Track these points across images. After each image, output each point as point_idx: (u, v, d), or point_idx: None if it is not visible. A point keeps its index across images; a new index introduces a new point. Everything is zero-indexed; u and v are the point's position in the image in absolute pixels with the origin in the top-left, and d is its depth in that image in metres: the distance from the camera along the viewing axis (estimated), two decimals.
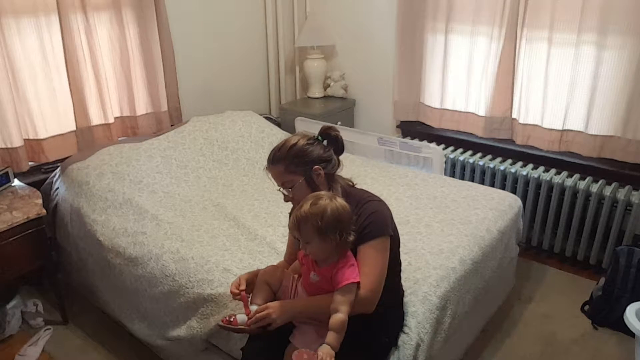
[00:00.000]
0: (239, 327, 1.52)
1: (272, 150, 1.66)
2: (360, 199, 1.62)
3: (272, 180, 1.66)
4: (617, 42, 2.60)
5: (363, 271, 1.52)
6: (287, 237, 1.84)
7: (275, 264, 1.75)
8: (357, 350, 1.56)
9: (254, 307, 1.54)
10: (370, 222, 1.55)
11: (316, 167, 1.61)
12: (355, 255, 1.55)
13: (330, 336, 1.44)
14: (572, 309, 2.64)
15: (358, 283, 1.49)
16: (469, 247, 2.13)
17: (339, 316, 1.45)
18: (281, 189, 1.64)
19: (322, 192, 1.53)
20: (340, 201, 1.50)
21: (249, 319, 1.50)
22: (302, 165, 1.60)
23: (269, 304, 1.52)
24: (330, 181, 1.65)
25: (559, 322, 2.55)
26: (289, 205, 1.70)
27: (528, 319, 2.58)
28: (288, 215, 1.73)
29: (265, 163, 1.69)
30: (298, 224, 1.47)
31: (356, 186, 1.72)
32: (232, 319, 1.51)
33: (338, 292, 1.48)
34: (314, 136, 1.66)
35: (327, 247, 1.48)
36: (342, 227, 1.47)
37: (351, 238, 1.49)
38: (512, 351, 2.38)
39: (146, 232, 2.28)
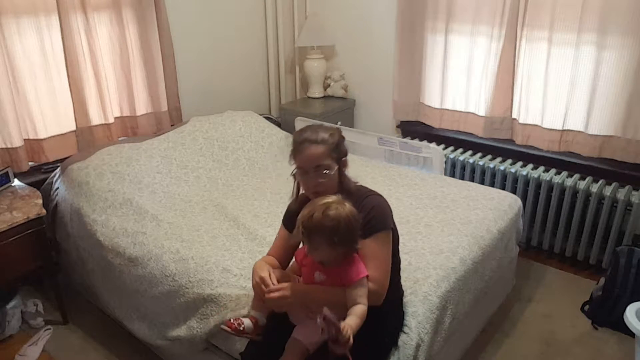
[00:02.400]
0: (245, 334, 1.51)
1: (311, 131, 1.59)
2: (360, 194, 1.63)
3: (301, 164, 1.57)
4: (617, 42, 2.60)
5: (369, 265, 1.53)
6: None
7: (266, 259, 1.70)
8: (358, 350, 1.56)
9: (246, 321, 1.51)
10: (372, 216, 1.56)
11: (345, 158, 1.62)
12: None
13: (352, 319, 1.42)
14: (572, 309, 2.64)
15: (367, 276, 1.51)
16: (469, 247, 2.13)
17: (361, 306, 1.46)
18: (310, 171, 1.56)
19: (331, 198, 1.49)
20: (349, 207, 1.48)
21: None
22: (338, 154, 1.60)
23: (284, 284, 1.52)
24: (343, 176, 1.66)
25: (559, 322, 2.55)
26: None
27: (528, 319, 2.58)
28: (287, 207, 1.72)
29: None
30: (309, 234, 1.44)
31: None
32: (241, 327, 1.49)
33: (353, 286, 1.48)
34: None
35: (335, 254, 1.48)
36: (354, 238, 1.48)
37: (358, 246, 1.51)
38: (512, 351, 2.38)
39: (146, 232, 2.28)
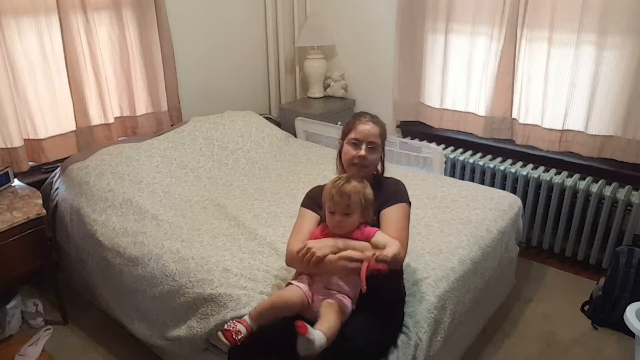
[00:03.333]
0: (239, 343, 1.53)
1: (371, 115, 1.84)
2: (383, 177, 1.90)
3: (357, 136, 1.78)
4: (617, 42, 2.60)
5: (391, 228, 1.68)
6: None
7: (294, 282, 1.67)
8: (358, 349, 1.56)
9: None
10: (396, 189, 1.81)
11: (384, 149, 1.87)
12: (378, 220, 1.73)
13: (389, 248, 1.56)
14: (572, 309, 2.64)
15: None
16: (469, 247, 2.13)
17: (394, 240, 1.61)
18: (363, 147, 1.77)
19: (344, 175, 1.73)
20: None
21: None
22: (384, 142, 1.85)
23: (308, 242, 1.63)
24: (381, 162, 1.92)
25: (559, 322, 2.55)
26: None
27: (528, 319, 2.58)
28: (309, 191, 1.86)
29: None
30: (348, 197, 1.62)
31: None
32: (238, 340, 1.51)
33: (374, 236, 1.64)
34: None
35: (359, 220, 1.66)
36: (373, 205, 1.69)
37: (372, 215, 1.71)
38: (512, 351, 2.38)
39: (146, 232, 2.28)
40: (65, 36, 2.64)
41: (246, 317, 1.60)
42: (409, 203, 1.80)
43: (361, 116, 1.83)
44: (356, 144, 1.78)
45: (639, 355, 2.18)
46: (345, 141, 1.83)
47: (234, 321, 1.58)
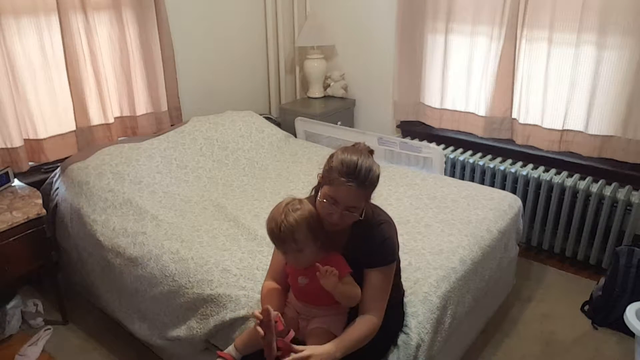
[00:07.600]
0: None
1: (362, 170, 1.45)
2: (374, 217, 1.59)
3: (336, 197, 1.46)
4: (617, 42, 2.60)
5: (372, 296, 1.55)
6: None
7: (269, 288, 1.66)
8: (357, 350, 1.56)
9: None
10: (384, 248, 1.57)
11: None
12: (361, 274, 1.56)
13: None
14: (572, 309, 2.64)
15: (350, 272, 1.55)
16: (469, 247, 2.13)
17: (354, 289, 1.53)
18: (339, 206, 1.47)
19: (287, 199, 1.53)
20: (306, 202, 1.53)
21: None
22: (372, 192, 1.54)
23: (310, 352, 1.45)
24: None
25: (559, 322, 2.55)
26: None
27: (528, 319, 2.58)
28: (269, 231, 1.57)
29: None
30: (292, 233, 1.46)
31: None
32: None
33: (343, 281, 1.51)
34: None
35: (316, 248, 1.52)
36: (323, 224, 1.52)
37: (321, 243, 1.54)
38: (512, 351, 2.38)
39: (146, 232, 2.28)
40: (65, 36, 2.65)
41: (230, 349, 1.60)
42: (396, 259, 1.61)
43: (350, 167, 1.44)
44: (331, 203, 1.47)
45: (639, 355, 2.18)
46: (321, 187, 1.51)
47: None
